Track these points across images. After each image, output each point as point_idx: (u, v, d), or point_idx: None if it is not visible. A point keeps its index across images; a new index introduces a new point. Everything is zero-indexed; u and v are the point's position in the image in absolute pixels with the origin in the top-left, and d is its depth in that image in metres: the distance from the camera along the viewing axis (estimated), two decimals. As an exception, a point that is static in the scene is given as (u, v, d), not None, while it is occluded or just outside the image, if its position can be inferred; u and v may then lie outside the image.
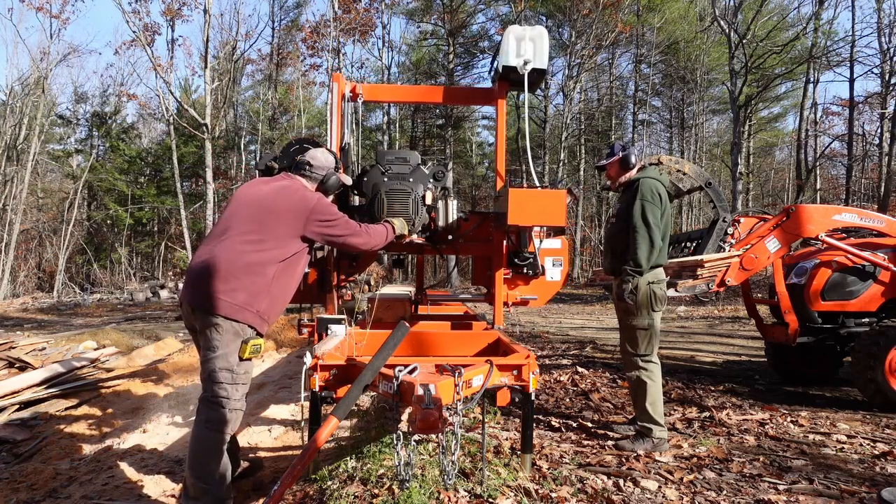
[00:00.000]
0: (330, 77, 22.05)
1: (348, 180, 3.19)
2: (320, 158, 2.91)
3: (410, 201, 3.44)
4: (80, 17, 43.04)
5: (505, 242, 3.76)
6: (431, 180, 3.60)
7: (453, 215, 3.67)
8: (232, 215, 2.67)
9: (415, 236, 3.58)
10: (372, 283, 4.67)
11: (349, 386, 2.46)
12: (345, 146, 3.86)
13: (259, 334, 2.59)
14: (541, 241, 3.84)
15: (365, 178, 3.58)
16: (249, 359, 2.54)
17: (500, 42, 3.70)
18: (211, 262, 2.51)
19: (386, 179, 3.52)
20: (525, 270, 3.80)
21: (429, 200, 3.54)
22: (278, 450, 3.65)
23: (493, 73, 3.94)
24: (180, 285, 20.14)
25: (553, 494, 2.66)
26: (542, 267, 3.82)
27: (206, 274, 2.50)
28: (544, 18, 27.89)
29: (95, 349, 6.92)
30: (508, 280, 3.84)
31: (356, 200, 3.84)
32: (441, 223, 3.66)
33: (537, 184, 3.60)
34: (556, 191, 3.34)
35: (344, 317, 3.29)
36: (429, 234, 3.68)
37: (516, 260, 3.80)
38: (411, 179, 3.55)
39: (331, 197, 3.09)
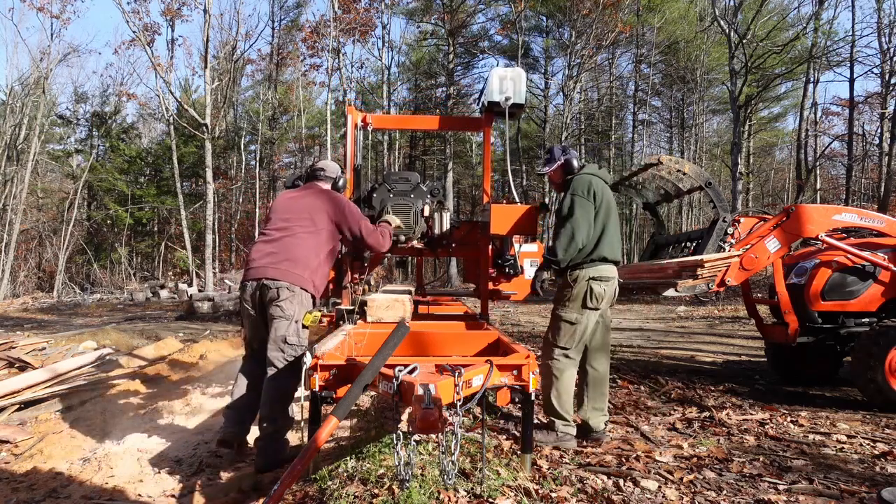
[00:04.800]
0: (329, 77, 22.04)
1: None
2: (330, 166, 3.71)
3: (412, 213, 4.22)
4: (80, 17, 42.65)
5: (490, 247, 4.47)
6: (429, 196, 4.33)
7: (447, 224, 4.38)
8: (287, 215, 3.40)
9: (415, 242, 4.31)
10: (372, 282, 4.76)
11: (349, 386, 2.47)
12: (357, 167, 4.66)
13: (314, 303, 3.33)
14: (520, 246, 4.52)
15: (374, 195, 4.29)
16: (307, 327, 3.20)
17: (486, 80, 4.50)
18: (281, 248, 3.28)
19: (391, 196, 4.27)
20: (507, 270, 4.42)
21: (427, 213, 4.28)
22: (278, 450, 3.64)
23: (480, 107, 4.71)
24: (181, 285, 20.30)
25: (553, 494, 2.66)
26: (521, 267, 4.47)
27: (279, 256, 3.25)
28: (544, 18, 27.92)
29: (95, 349, 6.92)
30: (493, 278, 4.51)
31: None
32: (437, 231, 4.35)
33: (517, 200, 4.57)
34: (529, 206, 4.11)
35: (356, 307, 3.82)
36: (427, 241, 4.40)
37: (499, 261, 4.42)
38: (412, 195, 4.27)
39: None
